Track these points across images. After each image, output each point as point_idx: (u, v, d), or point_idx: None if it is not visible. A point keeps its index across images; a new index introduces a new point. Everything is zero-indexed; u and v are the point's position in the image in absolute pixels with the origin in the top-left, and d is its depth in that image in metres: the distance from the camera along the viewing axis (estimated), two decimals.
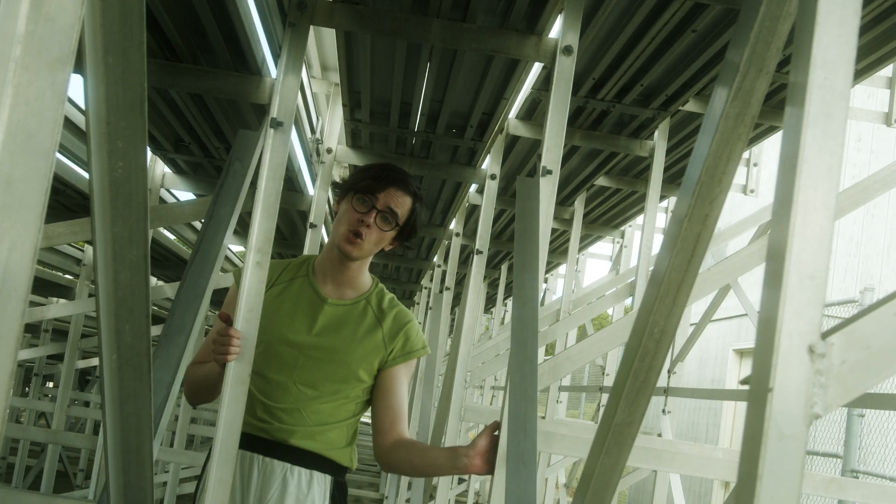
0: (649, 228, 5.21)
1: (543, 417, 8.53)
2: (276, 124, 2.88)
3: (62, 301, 8.65)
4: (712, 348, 14.72)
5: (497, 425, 2.43)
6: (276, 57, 3.33)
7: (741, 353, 14.13)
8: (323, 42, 4.96)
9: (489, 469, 2.40)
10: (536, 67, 4.81)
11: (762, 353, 1.02)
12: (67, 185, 6.11)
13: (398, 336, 2.63)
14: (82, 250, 9.13)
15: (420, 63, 3.70)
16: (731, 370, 14.39)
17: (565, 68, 3.06)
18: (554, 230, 8.87)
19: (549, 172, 2.99)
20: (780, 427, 1.00)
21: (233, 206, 2.63)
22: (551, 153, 3.00)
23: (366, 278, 2.69)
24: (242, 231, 4.99)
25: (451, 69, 3.78)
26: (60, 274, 10.00)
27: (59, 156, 5.80)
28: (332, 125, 5.00)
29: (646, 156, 5.15)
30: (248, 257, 2.68)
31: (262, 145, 2.86)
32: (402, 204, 2.56)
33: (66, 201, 6.73)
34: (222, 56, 3.49)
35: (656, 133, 5.08)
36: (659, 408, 6.24)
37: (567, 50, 3.06)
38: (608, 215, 8.23)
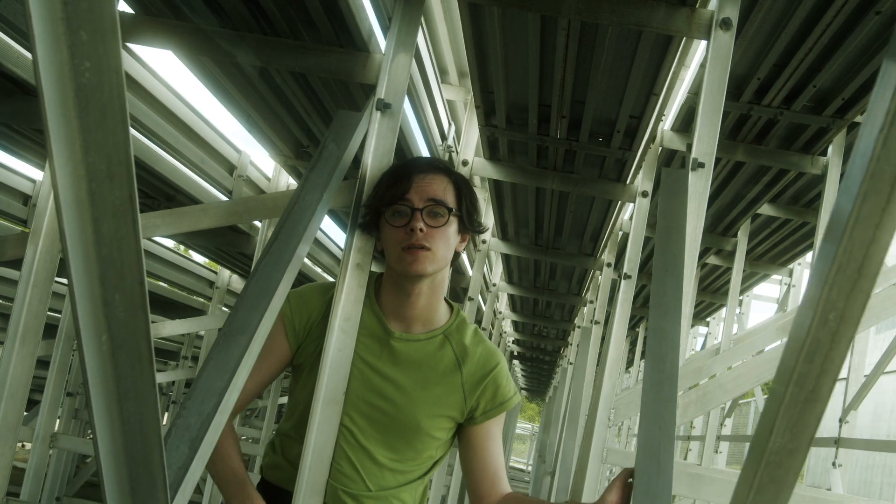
0: None
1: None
2: (384, 106, 2.52)
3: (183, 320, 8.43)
4: (888, 402, 13.74)
5: (630, 473, 1.95)
6: (385, 31, 2.97)
7: None
8: (459, 48, 4.63)
9: None
10: (690, 70, 4.35)
11: None
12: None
13: (484, 384, 2.16)
14: (215, 272, 8.98)
15: (557, 49, 3.28)
16: None
17: (722, 44, 2.63)
18: (715, 267, 8.29)
19: (702, 166, 2.55)
20: None
21: (321, 193, 2.26)
22: (704, 143, 2.56)
23: (442, 311, 2.21)
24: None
25: (591, 57, 3.34)
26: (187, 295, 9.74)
27: None
28: (469, 134, 4.64)
29: (818, 173, 4.59)
30: (347, 257, 2.32)
31: (365, 129, 2.51)
32: (442, 187, 2.08)
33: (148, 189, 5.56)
34: (325, 31, 3.14)
35: (830, 148, 4.53)
36: (829, 461, 5.73)
37: (725, 24, 2.63)
38: (775, 251, 7.62)
